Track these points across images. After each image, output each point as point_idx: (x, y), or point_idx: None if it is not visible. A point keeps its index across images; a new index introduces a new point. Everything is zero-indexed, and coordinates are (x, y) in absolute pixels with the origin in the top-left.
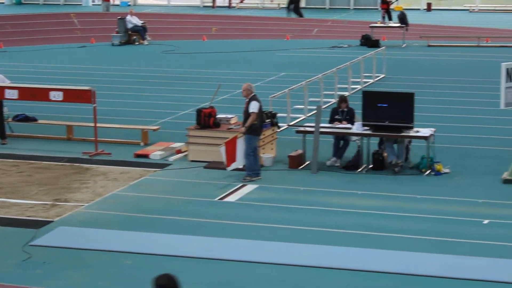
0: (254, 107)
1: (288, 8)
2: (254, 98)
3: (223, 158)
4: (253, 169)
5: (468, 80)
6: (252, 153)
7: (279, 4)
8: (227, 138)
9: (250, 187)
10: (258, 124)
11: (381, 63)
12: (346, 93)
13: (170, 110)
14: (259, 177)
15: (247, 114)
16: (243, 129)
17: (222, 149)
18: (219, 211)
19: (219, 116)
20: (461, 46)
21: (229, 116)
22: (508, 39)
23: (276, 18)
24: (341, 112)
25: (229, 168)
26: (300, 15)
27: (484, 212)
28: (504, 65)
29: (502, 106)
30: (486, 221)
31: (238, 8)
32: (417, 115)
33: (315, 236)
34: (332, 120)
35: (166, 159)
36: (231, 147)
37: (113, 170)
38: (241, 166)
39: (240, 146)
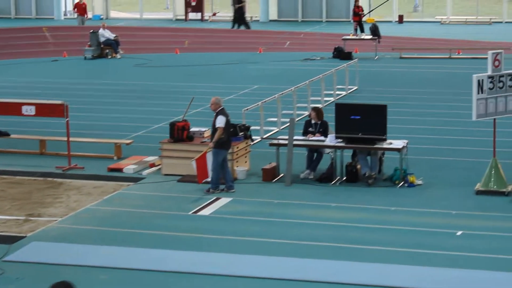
0: (220, 121)
1: (233, 24)
2: (221, 112)
3: (196, 173)
4: (217, 183)
5: (440, 91)
6: (218, 167)
7: (251, 17)
8: (200, 151)
9: (224, 200)
10: (225, 138)
11: (354, 75)
12: (319, 105)
13: (143, 123)
14: (218, 191)
15: (215, 128)
16: (211, 144)
17: (194, 163)
18: (193, 225)
19: (192, 129)
20: (433, 58)
21: (203, 129)
22: (480, 51)
23: (248, 31)
24: (315, 124)
25: (202, 183)
26: (247, 26)
27: (457, 224)
28: (475, 77)
29: (474, 118)
30: (459, 232)
31: (210, 21)
32: (390, 127)
33: (290, 249)
34: (305, 133)
35: (139, 173)
36: (202, 163)
37: (87, 185)
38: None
39: (210, 160)
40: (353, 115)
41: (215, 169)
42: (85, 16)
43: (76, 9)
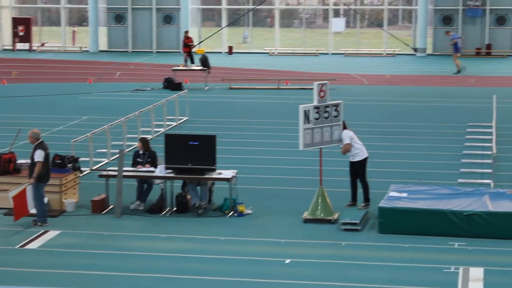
0: (39, 156)
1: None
2: (39, 145)
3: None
4: (43, 215)
5: (269, 121)
6: (42, 200)
7: (81, 47)
8: (19, 185)
9: (52, 233)
10: (44, 172)
11: (184, 106)
12: (148, 136)
13: None
14: (47, 224)
15: (33, 162)
16: (32, 180)
17: (11, 199)
18: (20, 259)
19: (19, 161)
20: (262, 89)
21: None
22: (306, 82)
23: (78, 62)
24: (143, 154)
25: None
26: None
27: (286, 252)
28: (301, 107)
29: (301, 147)
30: (288, 261)
31: (39, 52)
32: (220, 157)
33: (120, 281)
34: (134, 163)
35: None
36: (20, 199)
37: None
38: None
39: (30, 194)
40: (183, 146)
41: (40, 202)
42: None
43: None
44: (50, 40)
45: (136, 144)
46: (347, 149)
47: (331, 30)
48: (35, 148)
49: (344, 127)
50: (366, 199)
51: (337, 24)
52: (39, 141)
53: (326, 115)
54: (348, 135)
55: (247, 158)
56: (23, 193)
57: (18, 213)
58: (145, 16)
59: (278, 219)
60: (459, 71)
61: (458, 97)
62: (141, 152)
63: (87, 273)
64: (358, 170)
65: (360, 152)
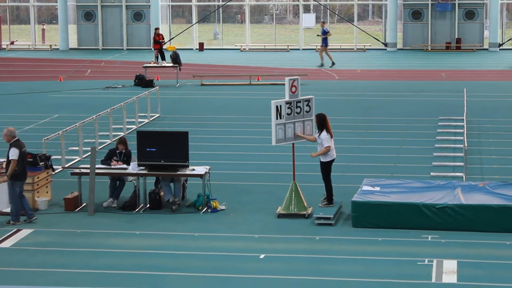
0: (13, 154)
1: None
2: (15, 144)
3: None
4: (17, 214)
5: (241, 117)
6: (17, 198)
7: (51, 45)
8: None
9: (25, 232)
10: (20, 169)
11: (156, 103)
12: (120, 133)
13: None
14: (20, 222)
15: (9, 160)
16: (6, 177)
17: None
18: None
19: None
20: (234, 85)
21: (1, 160)
22: (278, 77)
23: (48, 60)
24: (119, 153)
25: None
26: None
27: (260, 247)
28: (273, 103)
29: (273, 143)
30: (262, 256)
31: (8, 50)
32: (192, 153)
33: (92, 278)
34: (106, 160)
35: None
36: None
37: None
38: (5, 210)
39: (4, 192)
40: (154, 142)
41: (15, 200)
42: None
43: None
44: (19, 38)
45: (108, 141)
46: (328, 151)
47: (302, 26)
48: (10, 146)
49: (327, 124)
50: (330, 200)
51: (308, 19)
52: (14, 139)
53: (298, 110)
54: (327, 137)
55: (220, 154)
56: None
57: None
58: (115, 13)
59: (251, 215)
60: (322, 65)
61: (429, 91)
62: (118, 151)
63: (61, 271)
64: (327, 170)
65: (331, 152)
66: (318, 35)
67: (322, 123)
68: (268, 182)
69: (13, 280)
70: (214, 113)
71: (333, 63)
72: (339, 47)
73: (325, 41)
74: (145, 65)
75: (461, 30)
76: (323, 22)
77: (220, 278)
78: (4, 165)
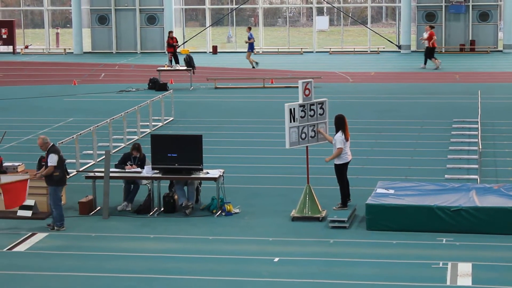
0: (52, 160)
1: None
2: (52, 150)
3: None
4: (61, 220)
5: (255, 120)
6: (60, 204)
7: (65, 49)
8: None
9: (39, 236)
10: (61, 175)
11: (170, 106)
12: (134, 137)
13: None
14: (64, 228)
15: (47, 166)
16: (38, 174)
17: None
18: (9, 262)
19: (5, 164)
20: (247, 88)
21: (16, 164)
22: (291, 80)
23: (62, 63)
24: (134, 158)
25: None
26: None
27: (274, 250)
28: (287, 106)
29: (287, 146)
30: (276, 259)
31: (23, 54)
32: (206, 157)
33: (107, 282)
34: (121, 164)
35: None
36: (18, 188)
37: None
38: (28, 215)
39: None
40: (169, 146)
41: (58, 206)
42: None
43: None
44: (33, 42)
45: (123, 145)
46: (339, 153)
47: (315, 29)
48: (48, 153)
49: (344, 126)
50: (344, 203)
51: (321, 22)
52: (50, 145)
53: (311, 113)
54: (340, 139)
55: (234, 157)
56: (23, 183)
57: (9, 202)
58: (129, 17)
59: (265, 218)
60: (253, 67)
61: (442, 93)
62: (133, 156)
63: (75, 274)
64: (341, 172)
65: (344, 155)
66: (246, 42)
67: (337, 124)
68: (282, 185)
69: (28, 284)
70: (228, 116)
71: (253, 67)
72: (352, 49)
73: (251, 46)
74: (159, 68)
75: (475, 32)
76: (249, 28)
77: (234, 282)
78: (17, 170)
